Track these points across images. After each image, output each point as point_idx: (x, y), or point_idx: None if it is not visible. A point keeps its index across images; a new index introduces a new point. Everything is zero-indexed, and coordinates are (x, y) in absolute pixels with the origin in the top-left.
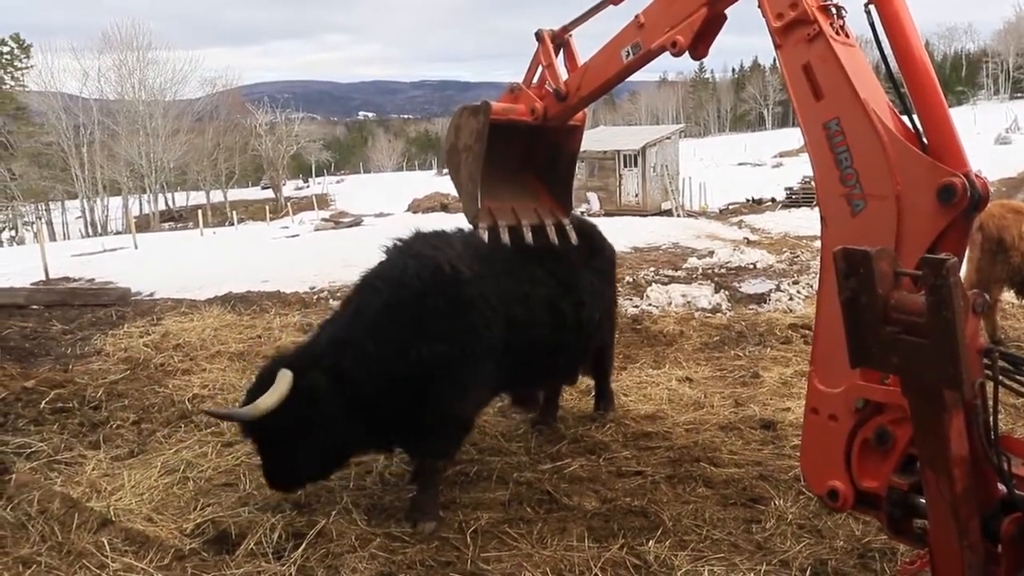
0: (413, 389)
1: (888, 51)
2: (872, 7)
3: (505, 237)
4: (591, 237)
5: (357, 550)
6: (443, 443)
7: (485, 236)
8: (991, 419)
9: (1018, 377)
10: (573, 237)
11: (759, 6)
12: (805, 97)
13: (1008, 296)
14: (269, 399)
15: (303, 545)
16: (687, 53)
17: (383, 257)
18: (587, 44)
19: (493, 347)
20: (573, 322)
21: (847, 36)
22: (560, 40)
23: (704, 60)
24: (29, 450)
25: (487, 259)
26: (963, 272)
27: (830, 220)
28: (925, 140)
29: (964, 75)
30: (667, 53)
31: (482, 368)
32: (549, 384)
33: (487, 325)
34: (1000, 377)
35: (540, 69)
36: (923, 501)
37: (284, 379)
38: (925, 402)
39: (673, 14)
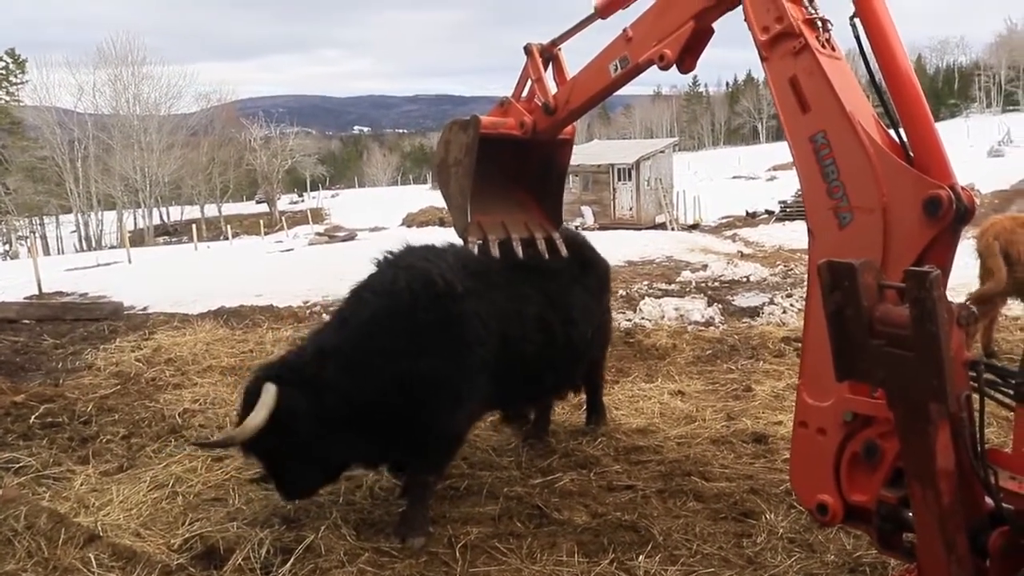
0: (403, 402)
1: (874, 64)
2: (857, 20)
3: (495, 251)
4: (582, 252)
5: (345, 565)
6: (435, 458)
7: (475, 249)
8: (978, 432)
9: (1004, 389)
10: (563, 251)
11: (745, 20)
12: (791, 110)
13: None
14: (257, 417)
15: (291, 560)
16: (675, 67)
17: (373, 269)
18: (577, 58)
19: (486, 362)
20: (563, 340)
21: (833, 49)
22: (549, 54)
23: (697, 74)
24: (17, 465)
25: (479, 274)
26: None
27: (817, 233)
28: (911, 153)
29: (957, 88)
30: (655, 67)
31: (475, 383)
32: (540, 402)
33: (480, 340)
34: (986, 389)
35: (529, 83)
36: (912, 515)
37: (269, 394)
38: (911, 415)
39: (661, 28)
